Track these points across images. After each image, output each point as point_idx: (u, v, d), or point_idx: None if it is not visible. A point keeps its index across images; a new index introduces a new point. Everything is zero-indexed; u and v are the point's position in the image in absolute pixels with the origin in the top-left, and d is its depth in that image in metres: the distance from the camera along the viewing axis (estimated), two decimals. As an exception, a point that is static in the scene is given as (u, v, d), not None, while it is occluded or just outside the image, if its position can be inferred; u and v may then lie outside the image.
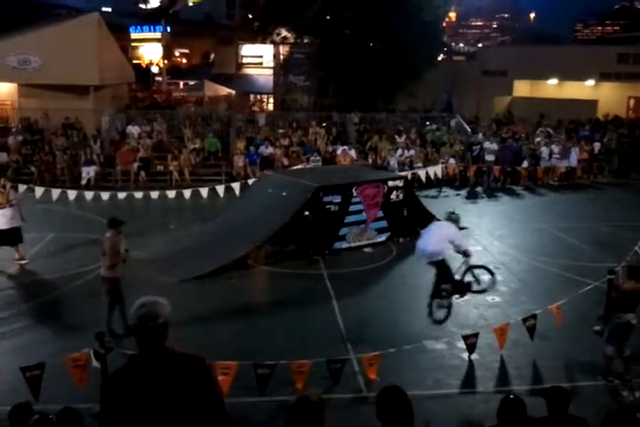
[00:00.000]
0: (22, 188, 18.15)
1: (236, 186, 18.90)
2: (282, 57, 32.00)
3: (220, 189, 18.92)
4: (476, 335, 8.75)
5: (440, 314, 9.65)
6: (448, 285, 9.45)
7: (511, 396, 4.91)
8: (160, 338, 3.49)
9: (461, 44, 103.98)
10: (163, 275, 12.15)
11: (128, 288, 9.99)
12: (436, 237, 9.11)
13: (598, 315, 8.77)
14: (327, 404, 3.70)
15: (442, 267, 9.34)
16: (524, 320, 8.94)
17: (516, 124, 29.17)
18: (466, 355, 8.86)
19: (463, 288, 9.63)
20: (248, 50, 38.37)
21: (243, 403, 7.51)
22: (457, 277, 9.57)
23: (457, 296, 9.78)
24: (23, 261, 12.97)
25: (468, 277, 9.71)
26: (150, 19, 54.54)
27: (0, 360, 8.51)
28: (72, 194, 18.12)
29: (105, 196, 18.02)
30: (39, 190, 18.02)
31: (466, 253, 9.49)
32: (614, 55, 33.96)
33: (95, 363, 7.28)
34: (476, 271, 9.85)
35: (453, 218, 9.50)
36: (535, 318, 8.93)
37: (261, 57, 37.52)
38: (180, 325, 9.91)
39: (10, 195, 13.07)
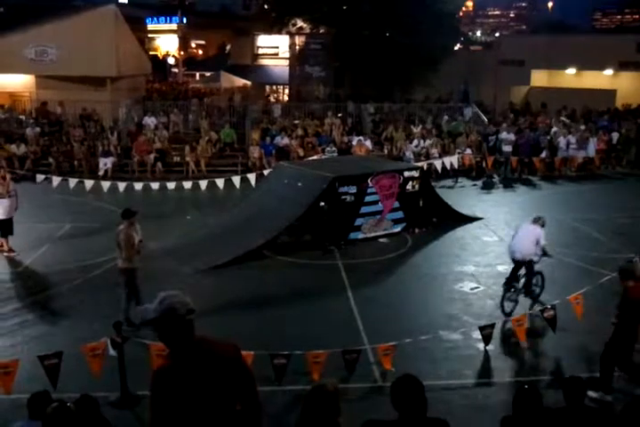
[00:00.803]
0: (40, 178, 18.34)
1: (251, 177, 18.93)
2: (297, 47, 31.87)
3: (236, 179, 18.95)
4: (492, 326, 8.72)
5: (508, 307, 10.11)
6: (531, 285, 10.38)
7: (526, 386, 4.89)
8: (192, 328, 3.54)
9: (478, 34, 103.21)
10: (180, 265, 12.22)
11: (146, 279, 10.07)
12: (528, 240, 10.08)
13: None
14: (342, 393, 3.72)
15: (530, 267, 10.26)
16: (542, 311, 8.90)
17: (534, 114, 28.95)
18: (481, 345, 8.86)
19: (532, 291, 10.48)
20: (264, 41, 38.23)
21: (260, 392, 7.56)
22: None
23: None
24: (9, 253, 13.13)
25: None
26: (167, 10, 54.68)
27: (19, 349, 8.63)
28: (89, 184, 18.24)
29: (122, 186, 18.10)
30: (57, 181, 18.13)
31: (546, 253, 10.32)
32: (633, 44, 33.42)
33: (112, 352, 7.35)
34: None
35: (541, 222, 10.26)
36: (554, 308, 8.88)
37: (277, 48, 37.39)
38: (197, 315, 9.97)
39: (10, 186, 13.22)
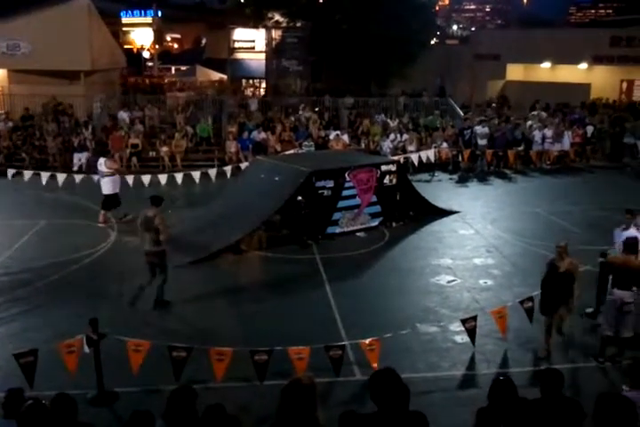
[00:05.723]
0: (11, 172, 18.02)
1: (228, 171, 18.82)
2: (274, 41, 31.72)
3: (213, 174, 18.81)
4: (474, 318, 8.58)
5: None
6: None
7: (501, 377, 4.93)
8: None
9: (454, 28, 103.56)
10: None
11: (124, 275, 10.01)
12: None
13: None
14: (320, 387, 3.71)
15: None
16: (522, 302, 8.92)
17: (511, 108, 29.14)
18: (458, 338, 8.91)
19: None
20: (240, 34, 38.02)
21: (239, 387, 7.55)
22: None
23: None
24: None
25: None
26: (141, 3, 54.05)
27: (-6, 347, 8.52)
28: (63, 180, 17.94)
29: (96, 182, 17.85)
30: (31, 177, 17.85)
31: None
32: (607, 38, 33.76)
33: (87, 349, 7.28)
34: None
35: None
36: (532, 300, 8.92)
37: (253, 41, 37.19)
38: (174, 311, 9.94)
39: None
